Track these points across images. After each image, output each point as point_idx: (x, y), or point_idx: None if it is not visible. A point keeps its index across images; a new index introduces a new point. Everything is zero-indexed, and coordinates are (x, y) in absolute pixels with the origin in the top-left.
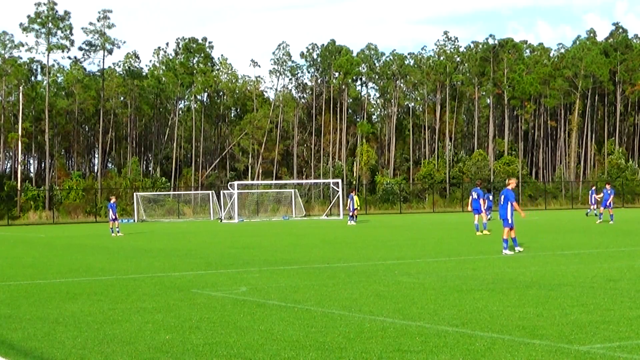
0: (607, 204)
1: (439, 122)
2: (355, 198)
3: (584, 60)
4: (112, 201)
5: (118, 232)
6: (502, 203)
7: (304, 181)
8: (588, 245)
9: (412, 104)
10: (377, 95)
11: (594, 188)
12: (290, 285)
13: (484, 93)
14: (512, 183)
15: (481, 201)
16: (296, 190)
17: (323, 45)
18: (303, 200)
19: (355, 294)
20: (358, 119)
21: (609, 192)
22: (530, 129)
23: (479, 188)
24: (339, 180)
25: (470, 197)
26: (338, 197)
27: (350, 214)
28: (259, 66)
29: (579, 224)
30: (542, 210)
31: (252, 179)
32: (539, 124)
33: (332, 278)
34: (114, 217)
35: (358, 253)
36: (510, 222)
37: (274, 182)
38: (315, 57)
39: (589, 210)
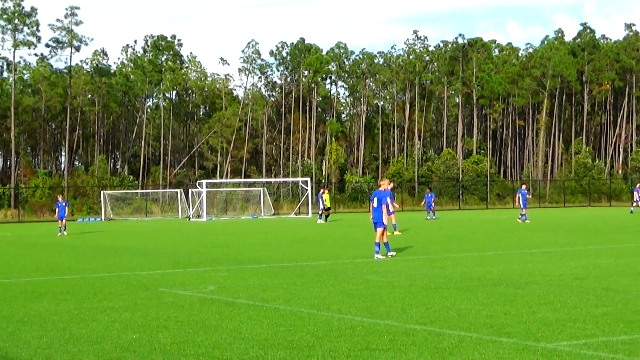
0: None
1: (408, 121)
2: (325, 196)
3: (552, 60)
4: (59, 200)
5: (64, 231)
6: (375, 206)
7: (272, 180)
8: (555, 243)
9: (382, 102)
10: (347, 93)
11: (638, 185)
12: (258, 283)
13: (453, 92)
14: (384, 184)
15: (388, 200)
16: (265, 188)
17: (292, 43)
18: (272, 199)
19: (323, 293)
20: (327, 118)
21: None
22: (499, 128)
23: (389, 190)
24: (308, 179)
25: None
26: (307, 195)
27: (320, 212)
28: (228, 64)
29: (547, 222)
30: (510, 209)
31: (221, 177)
32: (507, 123)
33: (300, 277)
34: (61, 216)
35: (327, 252)
36: (385, 225)
37: (242, 180)
38: (284, 55)
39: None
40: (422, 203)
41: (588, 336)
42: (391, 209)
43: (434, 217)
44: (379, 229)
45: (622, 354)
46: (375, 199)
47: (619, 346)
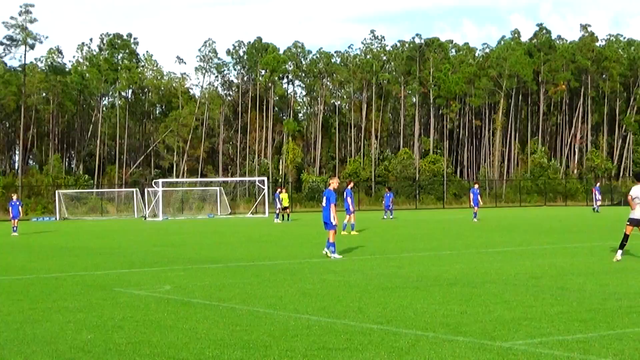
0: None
1: (365, 121)
2: (283, 196)
3: (508, 61)
4: (13, 199)
5: (15, 231)
6: (324, 205)
7: (229, 179)
8: (511, 243)
9: (339, 102)
10: (304, 93)
11: (597, 185)
12: (214, 283)
13: (410, 92)
14: (333, 183)
15: (349, 200)
16: (221, 188)
17: (249, 42)
18: (228, 198)
19: (280, 292)
20: (284, 117)
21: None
22: (455, 127)
23: (348, 188)
24: (265, 178)
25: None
26: (264, 195)
27: (277, 212)
28: (185, 63)
29: (503, 222)
30: (467, 209)
31: (177, 176)
32: (463, 123)
33: (257, 276)
34: (15, 215)
35: (283, 251)
36: (334, 224)
37: (199, 179)
38: (241, 54)
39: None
40: (384, 202)
41: (544, 335)
42: (351, 208)
43: (391, 217)
44: (330, 231)
45: (577, 352)
46: (324, 198)
47: (574, 345)
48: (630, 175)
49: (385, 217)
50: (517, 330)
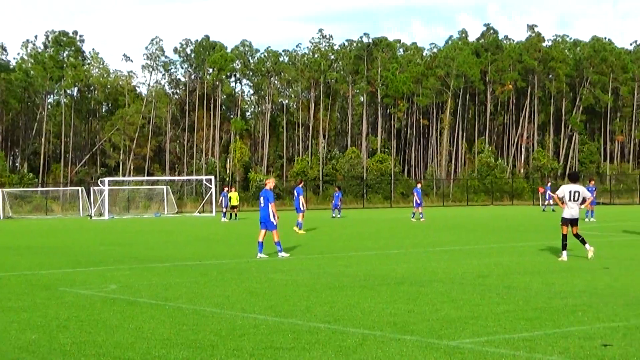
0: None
1: (312, 120)
2: (232, 195)
3: (455, 60)
4: None
5: None
6: (262, 205)
7: (176, 178)
8: (458, 242)
9: (286, 101)
10: (251, 92)
11: (549, 184)
12: (161, 282)
13: (357, 91)
14: (269, 183)
15: (301, 199)
16: (168, 186)
17: (197, 40)
18: (175, 197)
19: (227, 292)
20: (232, 116)
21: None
22: (403, 127)
23: (299, 187)
24: (212, 177)
25: (293, 196)
26: (211, 194)
27: (224, 210)
28: (132, 61)
29: (450, 221)
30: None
31: (124, 175)
32: (411, 122)
33: (204, 275)
34: None
35: (231, 250)
36: (275, 224)
37: (145, 178)
38: (188, 52)
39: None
40: (333, 201)
41: (490, 333)
42: (302, 207)
43: (339, 216)
44: (263, 230)
45: (523, 350)
46: (262, 198)
47: (520, 343)
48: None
49: (334, 215)
50: (463, 329)
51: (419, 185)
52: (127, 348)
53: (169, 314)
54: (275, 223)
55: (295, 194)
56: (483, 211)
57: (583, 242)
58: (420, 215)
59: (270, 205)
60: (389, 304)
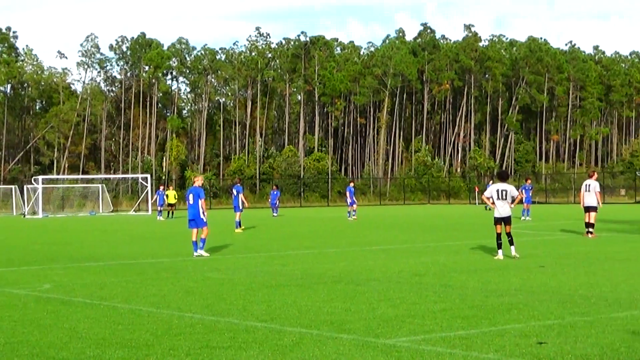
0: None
1: (249, 118)
2: (169, 193)
3: (393, 59)
4: None
5: None
6: (191, 202)
7: (112, 176)
8: (395, 240)
9: (223, 99)
10: (188, 89)
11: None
12: (96, 281)
13: (295, 89)
14: (198, 180)
15: (241, 197)
16: (104, 185)
17: (133, 38)
18: (111, 196)
19: (163, 291)
20: (168, 114)
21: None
22: (340, 125)
23: (239, 185)
24: (148, 176)
25: (232, 194)
26: (147, 192)
27: (159, 209)
28: (66, 58)
29: (387, 219)
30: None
31: (58, 173)
32: (348, 121)
33: (140, 274)
34: None
35: (166, 249)
36: (204, 221)
37: (80, 176)
38: (124, 49)
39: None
40: (270, 200)
41: (427, 332)
42: (241, 206)
43: (275, 214)
44: (195, 230)
45: (460, 348)
46: (191, 196)
47: (457, 341)
48: (516, 173)
49: (275, 214)
50: (400, 328)
51: (351, 184)
52: (61, 348)
53: (104, 313)
54: (205, 220)
55: (235, 192)
56: (420, 210)
57: (511, 242)
58: (353, 214)
59: (200, 202)
60: (326, 302)
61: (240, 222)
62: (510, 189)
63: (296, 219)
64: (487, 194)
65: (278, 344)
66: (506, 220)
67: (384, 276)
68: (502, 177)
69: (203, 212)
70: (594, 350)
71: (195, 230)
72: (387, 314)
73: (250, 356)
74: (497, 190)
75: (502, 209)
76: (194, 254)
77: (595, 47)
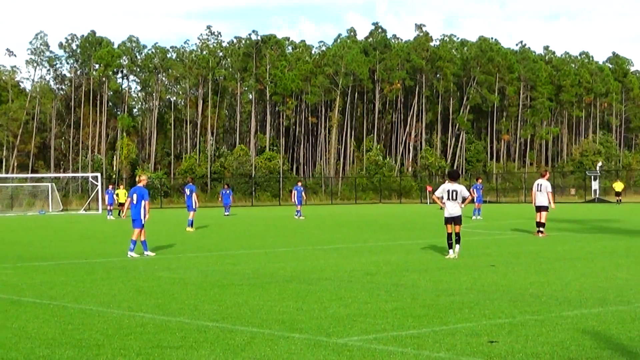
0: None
1: (201, 117)
2: (120, 192)
3: (344, 59)
4: None
5: None
6: (134, 202)
7: (61, 175)
8: (347, 240)
9: (174, 98)
10: (139, 88)
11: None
12: (46, 281)
13: (246, 88)
14: (143, 180)
15: (194, 196)
16: (53, 184)
17: (83, 36)
18: (60, 195)
19: (114, 290)
20: (119, 112)
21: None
22: (292, 125)
23: (191, 184)
24: (98, 175)
25: (185, 193)
26: (97, 191)
27: (109, 208)
28: (15, 56)
29: (339, 219)
30: (303, 206)
31: (7, 172)
32: (300, 120)
33: (90, 274)
34: None
35: (117, 248)
36: (142, 222)
37: (30, 175)
38: (74, 48)
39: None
40: (220, 199)
41: (378, 331)
42: (194, 205)
43: (227, 213)
44: (136, 229)
45: (411, 347)
46: (135, 195)
47: (408, 340)
48: (467, 173)
49: (227, 213)
50: (352, 327)
51: (299, 184)
52: (10, 348)
53: (54, 313)
54: (143, 222)
55: (188, 191)
56: (371, 209)
57: (457, 241)
58: (298, 213)
59: (144, 203)
60: (277, 301)
61: (192, 221)
62: (461, 189)
63: (247, 218)
64: (437, 193)
65: (229, 343)
66: (456, 220)
67: (336, 275)
68: (453, 177)
69: (144, 214)
70: (544, 348)
71: (137, 230)
72: (338, 313)
73: (202, 356)
74: (448, 191)
75: (453, 209)
76: (144, 252)
77: (546, 48)
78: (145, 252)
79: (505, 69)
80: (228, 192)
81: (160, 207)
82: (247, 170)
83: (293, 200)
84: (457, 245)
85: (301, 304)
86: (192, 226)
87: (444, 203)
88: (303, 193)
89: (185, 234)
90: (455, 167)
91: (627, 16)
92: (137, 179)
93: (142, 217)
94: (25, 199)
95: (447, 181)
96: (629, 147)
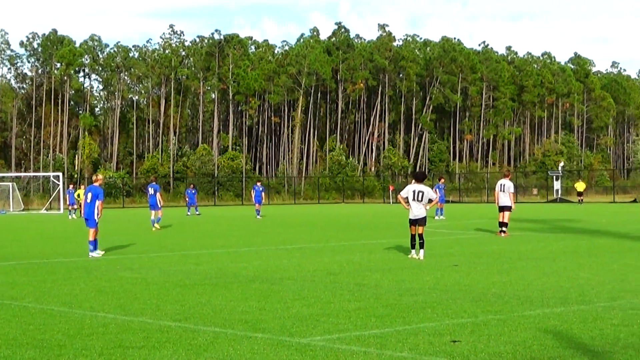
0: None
1: (163, 116)
2: (80, 192)
3: (307, 58)
4: None
5: None
6: (88, 201)
7: (22, 174)
8: (310, 239)
9: (137, 97)
10: (101, 87)
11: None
12: (6, 281)
13: (209, 88)
14: (99, 180)
15: (158, 195)
16: (14, 183)
17: (44, 34)
18: (21, 194)
19: (75, 290)
20: (80, 111)
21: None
22: (255, 124)
23: (155, 183)
24: (60, 174)
25: (148, 192)
26: (58, 190)
27: (70, 208)
28: None
29: (301, 218)
30: (266, 206)
31: None
32: (263, 120)
33: (51, 274)
34: None
35: (79, 248)
36: (95, 222)
37: None
38: (35, 46)
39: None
40: (186, 199)
41: (341, 331)
42: (159, 204)
43: (197, 213)
44: (91, 229)
45: (374, 347)
46: (90, 194)
47: (371, 340)
48: (430, 173)
49: (197, 213)
50: (315, 327)
51: (258, 184)
52: None
53: (15, 313)
54: (96, 221)
55: (152, 191)
56: (334, 209)
57: (421, 245)
58: (257, 212)
59: (98, 203)
60: (240, 301)
61: (155, 220)
62: (427, 190)
63: (210, 218)
64: (402, 194)
65: (192, 343)
66: (420, 222)
67: (299, 275)
68: (419, 178)
69: (97, 214)
70: (506, 348)
71: (92, 229)
72: (301, 313)
73: (164, 356)
74: (414, 191)
75: (417, 210)
76: (89, 253)
77: (508, 48)
78: (92, 253)
79: (468, 69)
80: (194, 191)
81: (122, 206)
82: (209, 169)
83: (252, 199)
84: (422, 250)
85: (264, 304)
86: (156, 223)
87: (408, 204)
88: (263, 193)
89: (149, 234)
90: (418, 167)
91: (589, 17)
92: (93, 178)
93: (96, 216)
94: None
95: (413, 182)
96: (591, 148)
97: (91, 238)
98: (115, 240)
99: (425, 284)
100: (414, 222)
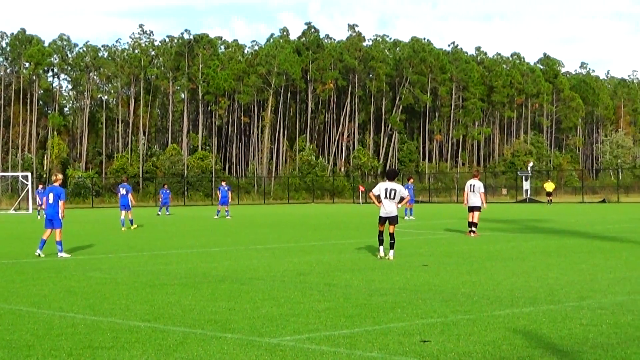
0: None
1: (132, 116)
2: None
3: (277, 58)
4: None
5: None
6: (50, 202)
7: None
8: (280, 239)
9: (106, 96)
10: (70, 87)
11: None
12: None
13: (178, 87)
14: (59, 179)
15: (130, 196)
16: None
17: (13, 34)
18: None
19: (44, 290)
20: (49, 111)
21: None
22: (224, 124)
23: (126, 184)
24: (29, 174)
25: (119, 192)
26: (27, 190)
27: (39, 208)
28: None
29: (271, 218)
30: (235, 205)
31: None
32: (232, 120)
33: (20, 274)
34: None
35: (48, 248)
36: (61, 223)
37: None
38: (4, 46)
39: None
40: (160, 199)
41: (311, 331)
42: (130, 205)
43: (161, 213)
44: (49, 230)
45: (344, 347)
46: (51, 195)
47: (341, 340)
48: (400, 173)
49: (168, 213)
50: (284, 327)
51: (223, 184)
52: None
53: None
54: (61, 221)
55: (124, 191)
56: (304, 209)
57: (392, 246)
58: (226, 213)
59: (60, 203)
60: (209, 301)
61: (129, 220)
62: (400, 188)
63: (180, 218)
64: (374, 191)
65: (162, 343)
66: (391, 220)
67: (268, 275)
68: (390, 176)
69: (61, 213)
70: (476, 347)
71: (49, 230)
72: (271, 313)
73: (134, 356)
74: (386, 189)
75: (389, 208)
76: (37, 250)
77: (478, 48)
78: (61, 254)
79: (438, 70)
80: (168, 192)
81: (91, 206)
82: (179, 169)
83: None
84: (392, 251)
85: (234, 304)
86: (132, 224)
87: (380, 202)
88: (229, 192)
89: (119, 234)
90: (388, 167)
91: (558, 18)
92: (52, 178)
93: (60, 216)
94: None
95: (385, 180)
96: (560, 148)
97: (58, 238)
98: (85, 240)
99: (395, 284)
100: (385, 220)
